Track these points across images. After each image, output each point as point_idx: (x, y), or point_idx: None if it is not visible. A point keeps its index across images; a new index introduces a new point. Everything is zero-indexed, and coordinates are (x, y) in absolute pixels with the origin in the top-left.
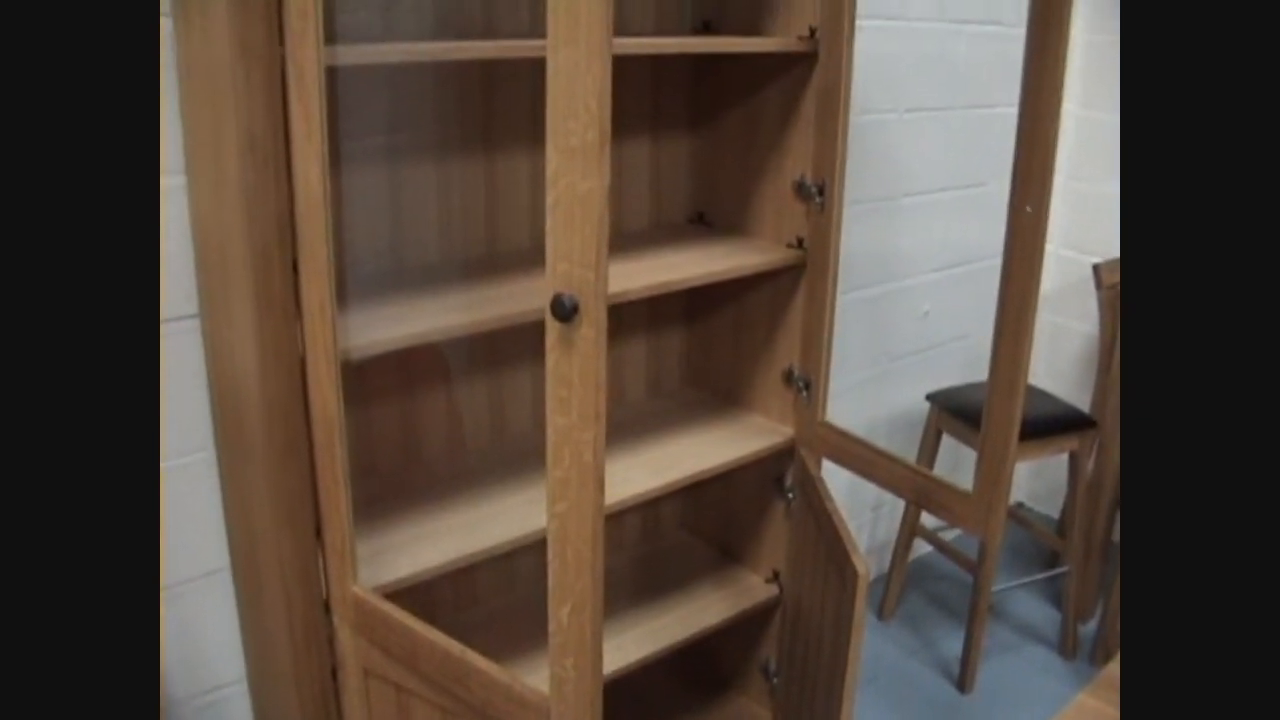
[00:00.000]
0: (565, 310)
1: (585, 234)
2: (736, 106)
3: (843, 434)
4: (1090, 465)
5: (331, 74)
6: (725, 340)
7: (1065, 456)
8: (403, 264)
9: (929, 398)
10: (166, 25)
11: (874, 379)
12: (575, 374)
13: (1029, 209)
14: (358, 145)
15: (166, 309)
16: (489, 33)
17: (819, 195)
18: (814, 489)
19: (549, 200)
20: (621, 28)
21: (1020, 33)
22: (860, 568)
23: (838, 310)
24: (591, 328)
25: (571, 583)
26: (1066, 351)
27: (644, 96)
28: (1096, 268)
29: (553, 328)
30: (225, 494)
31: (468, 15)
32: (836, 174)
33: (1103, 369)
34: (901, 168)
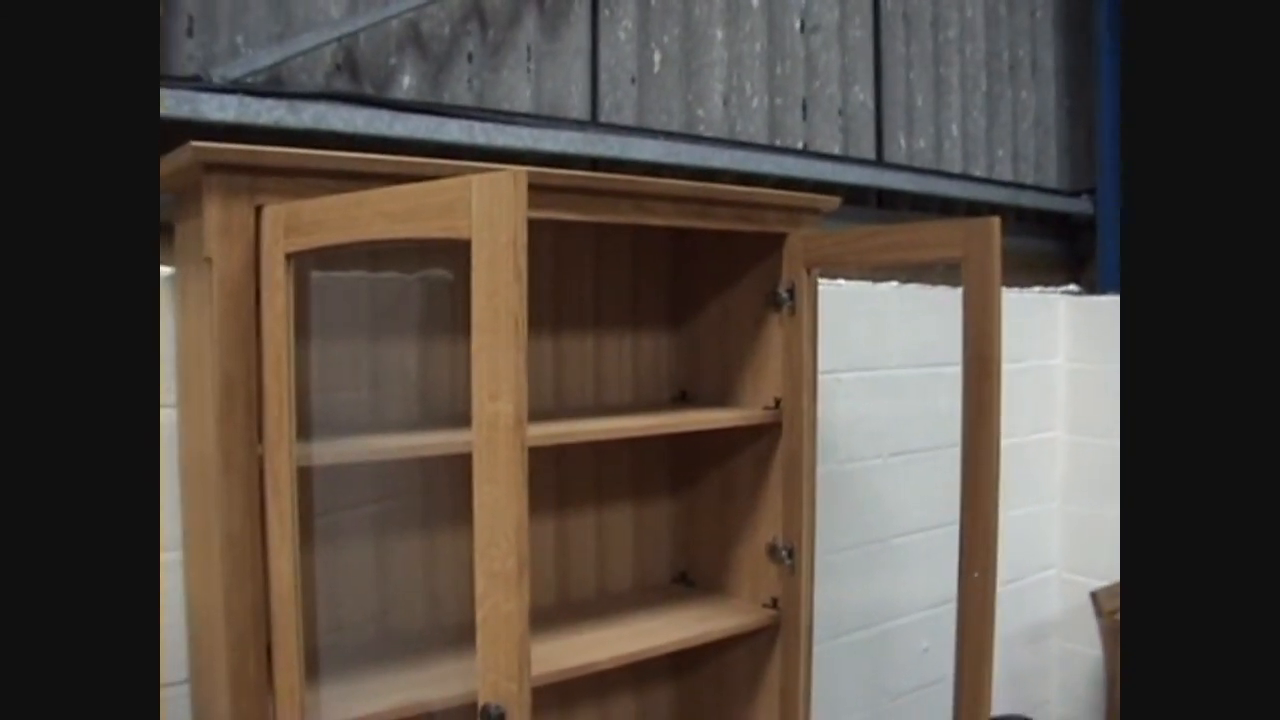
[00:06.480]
0: (492, 719)
1: (508, 650)
2: (713, 470)
3: None
4: None
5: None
6: (710, 699)
7: None
8: (389, 632)
9: None
10: (171, 415)
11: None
12: None
13: (976, 574)
14: (343, 518)
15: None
16: (457, 417)
17: (789, 557)
18: None
19: (479, 616)
20: (601, 401)
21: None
22: None
23: (828, 661)
24: None
25: None
26: (1080, 676)
27: (623, 465)
28: (1095, 595)
29: None
30: None
31: (440, 401)
32: (804, 537)
33: (1110, 700)
34: (890, 509)
